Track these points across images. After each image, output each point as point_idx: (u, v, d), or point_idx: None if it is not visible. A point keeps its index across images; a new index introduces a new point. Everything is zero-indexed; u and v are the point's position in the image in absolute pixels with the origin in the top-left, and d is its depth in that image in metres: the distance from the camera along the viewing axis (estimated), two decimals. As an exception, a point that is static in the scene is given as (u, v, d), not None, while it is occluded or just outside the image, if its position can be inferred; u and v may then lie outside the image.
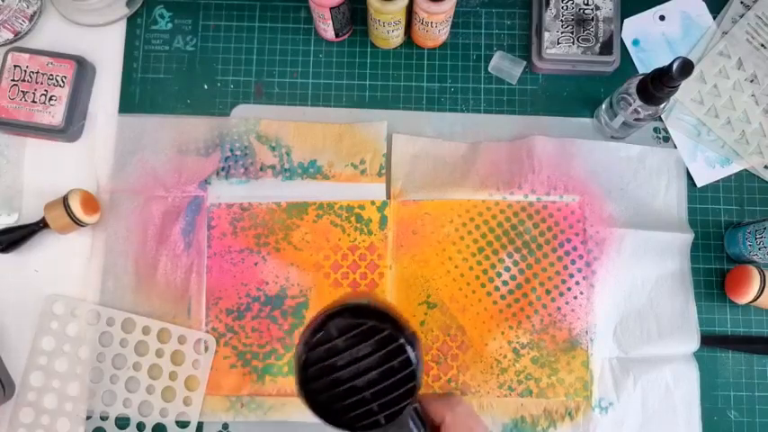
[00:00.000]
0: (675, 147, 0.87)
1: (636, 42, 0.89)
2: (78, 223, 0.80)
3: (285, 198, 0.84)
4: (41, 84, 0.84)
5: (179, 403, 0.81)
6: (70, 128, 0.84)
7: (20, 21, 0.87)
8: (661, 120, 0.87)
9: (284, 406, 0.80)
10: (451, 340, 0.80)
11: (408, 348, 0.47)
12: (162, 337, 0.82)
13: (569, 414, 0.80)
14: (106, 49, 0.89)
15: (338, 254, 0.82)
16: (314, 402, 0.47)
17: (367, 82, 0.89)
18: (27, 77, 0.83)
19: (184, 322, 0.82)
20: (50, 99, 0.83)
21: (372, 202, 0.82)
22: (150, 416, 0.81)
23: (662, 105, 0.76)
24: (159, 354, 0.81)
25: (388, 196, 0.84)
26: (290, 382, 0.80)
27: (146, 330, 0.82)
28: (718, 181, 0.87)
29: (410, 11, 0.82)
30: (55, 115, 0.83)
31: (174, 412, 0.81)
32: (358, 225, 0.82)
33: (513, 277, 0.81)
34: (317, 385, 0.47)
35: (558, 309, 0.81)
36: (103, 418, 0.81)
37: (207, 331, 0.81)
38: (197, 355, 0.81)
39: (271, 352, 0.81)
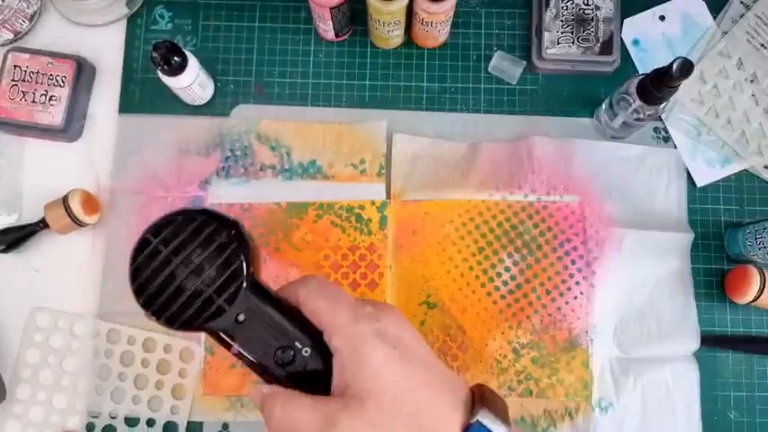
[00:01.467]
0: (675, 147, 0.87)
1: (636, 42, 0.89)
2: (78, 223, 0.80)
3: (285, 198, 0.84)
4: (41, 84, 0.84)
5: (166, 411, 0.81)
6: (70, 128, 0.84)
7: (20, 21, 0.87)
8: (661, 120, 0.87)
9: None
10: (451, 340, 0.80)
11: (223, 227, 0.47)
12: (148, 346, 0.81)
13: (569, 414, 0.80)
14: (106, 49, 0.89)
15: (338, 254, 0.82)
16: (154, 308, 0.47)
17: (367, 82, 0.89)
18: (27, 77, 0.83)
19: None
20: (50, 99, 0.83)
21: (372, 202, 0.82)
22: (137, 426, 0.81)
23: (662, 105, 0.76)
24: (145, 364, 0.81)
25: (388, 196, 0.84)
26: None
27: (131, 340, 0.81)
28: (718, 181, 0.87)
29: (410, 11, 0.82)
30: (55, 115, 0.83)
31: (161, 420, 0.80)
32: (358, 225, 0.82)
33: (513, 277, 0.81)
34: (151, 290, 0.47)
35: (558, 309, 0.81)
36: (90, 429, 0.80)
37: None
38: (183, 363, 0.81)
39: None
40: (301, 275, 0.78)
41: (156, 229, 0.47)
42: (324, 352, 0.47)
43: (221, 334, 0.47)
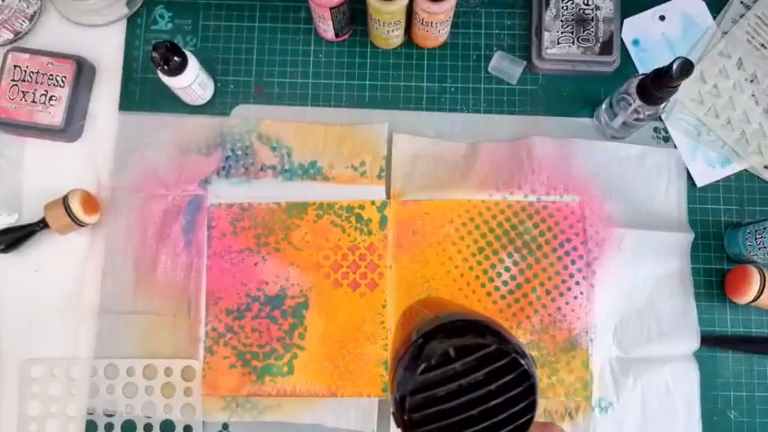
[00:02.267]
0: (675, 147, 0.87)
1: (636, 42, 0.89)
2: (78, 223, 0.80)
3: (285, 198, 0.84)
4: (41, 84, 0.84)
5: (179, 432, 0.81)
6: (70, 128, 0.84)
7: (20, 21, 0.87)
8: (661, 120, 0.87)
9: (279, 406, 0.81)
10: (452, 340, 0.80)
11: (521, 360, 0.44)
12: (148, 373, 0.81)
13: (569, 414, 0.80)
14: (106, 49, 0.89)
15: (338, 254, 0.82)
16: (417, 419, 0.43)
17: (367, 82, 0.89)
18: (27, 77, 0.84)
19: (184, 321, 0.82)
20: (50, 99, 0.83)
21: (372, 202, 0.82)
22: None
23: (662, 105, 0.76)
24: (149, 391, 0.81)
25: (388, 197, 0.84)
26: (289, 383, 0.80)
27: (130, 372, 0.81)
28: (718, 181, 0.87)
29: (410, 11, 0.82)
30: (55, 115, 0.83)
31: None
32: (358, 225, 0.82)
33: (513, 277, 0.81)
34: (428, 414, 0.43)
35: (558, 309, 0.81)
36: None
37: (207, 332, 0.81)
38: (187, 382, 0.81)
39: (271, 352, 0.81)
40: (301, 275, 0.80)
41: (462, 349, 0.44)
42: None
43: None
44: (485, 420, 0.43)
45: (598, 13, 0.87)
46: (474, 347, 0.44)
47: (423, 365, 0.44)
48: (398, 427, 0.44)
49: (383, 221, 0.82)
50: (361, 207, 0.82)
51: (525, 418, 0.44)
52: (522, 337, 0.80)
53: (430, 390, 0.43)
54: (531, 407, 0.44)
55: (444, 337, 0.44)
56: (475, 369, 0.44)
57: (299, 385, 0.80)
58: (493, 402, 0.43)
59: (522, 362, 0.44)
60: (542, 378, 0.79)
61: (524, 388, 0.43)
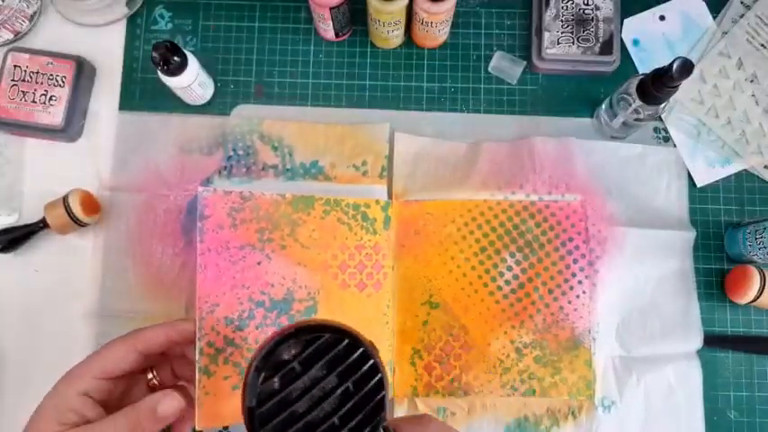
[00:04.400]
0: (675, 146, 0.87)
1: (636, 42, 0.89)
2: (78, 223, 0.79)
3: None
4: (41, 84, 0.83)
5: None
6: (70, 128, 0.84)
7: (20, 21, 0.86)
8: (661, 120, 0.87)
9: None
10: (454, 340, 0.80)
11: (372, 355, 0.45)
12: None
13: (572, 413, 0.80)
14: (106, 49, 0.89)
15: (345, 253, 0.79)
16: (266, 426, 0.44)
17: (367, 82, 0.89)
18: (27, 77, 0.83)
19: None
20: (50, 99, 0.83)
21: (377, 202, 0.81)
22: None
23: (662, 105, 0.76)
24: None
25: (390, 197, 0.84)
26: None
27: None
28: (718, 181, 0.87)
29: (410, 11, 0.82)
30: (55, 115, 0.83)
31: None
32: (364, 224, 0.80)
33: (515, 276, 0.81)
34: (272, 409, 0.44)
35: (561, 308, 0.81)
36: None
37: (201, 347, 0.69)
38: None
39: None
40: (308, 275, 0.77)
41: (303, 346, 0.45)
42: None
43: None
44: (337, 414, 0.44)
45: (598, 13, 0.87)
46: (326, 346, 0.45)
47: (263, 374, 0.44)
48: None
49: (387, 221, 0.81)
50: (367, 206, 0.81)
51: (376, 399, 0.45)
52: (524, 336, 0.80)
53: (275, 396, 0.44)
54: (381, 406, 0.45)
55: (284, 340, 0.45)
56: (315, 362, 0.45)
57: None
58: (338, 392, 0.44)
59: (362, 349, 0.45)
60: (545, 377, 0.79)
61: (373, 385, 0.45)
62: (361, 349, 0.45)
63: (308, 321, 0.46)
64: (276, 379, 0.44)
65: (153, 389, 0.68)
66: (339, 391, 0.44)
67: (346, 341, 0.45)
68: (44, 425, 0.59)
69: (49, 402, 0.60)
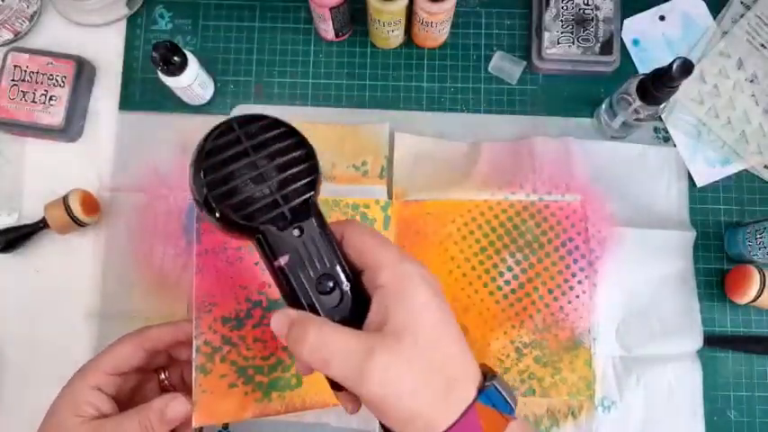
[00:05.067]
0: (675, 146, 0.87)
1: (636, 42, 0.89)
2: (78, 223, 0.79)
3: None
4: (41, 84, 0.83)
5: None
6: (70, 128, 0.84)
7: (20, 21, 0.86)
8: (661, 120, 0.87)
9: None
10: (454, 340, 0.80)
11: (306, 140, 0.49)
12: None
13: (572, 413, 0.80)
14: (106, 49, 0.89)
15: None
16: (215, 194, 0.47)
17: (367, 82, 0.89)
18: (27, 77, 0.83)
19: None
20: (50, 99, 0.83)
21: (377, 202, 0.81)
22: None
23: (662, 105, 0.76)
24: None
25: (390, 197, 0.84)
26: (298, 396, 0.73)
27: None
28: (718, 181, 0.87)
29: (410, 11, 0.82)
30: (55, 115, 0.83)
31: None
32: None
33: (515, 277, 0.81)
34: (218, 176, 0.47)
35: (561, 308, 0.81)
36: None
37: (198, 346, 0.68)
38: None
39: (277, 363, 0.73)
40: None
41: (244, 121, 0.48)
42: (358, 292, 0.49)
43: (270, 243, 0.48)
44: (270, 182, 0.48)
45: (598, 13, 0.87)
46: (254, 119, 0.49)
47: (208, 137, 0.48)
48: (201, 209, 0.48)
49: (387, 221, 0.81)
50: (366, 206, 0.80)
51: (306, 196, 0.49)
52: (524, 336, 0.80)
53: (218, 155, 0.47)
54: (313, 184, 0.49)
55: (244, 119, 0.49)
56: (266, 143, 0.49)
57: (308, 397, 0.73)
58: (278, 161, 0.48)
59: (306, 141, 0.49)
60: (545, 377, 0.79)
61: (307, 166, 0.49)
62: (295, 135, 0.49)
63: (235, 117, 0.49)
64: (222, 141, 0.48)
65: (164, 389, 0.72)
66: (276, 164, 0.48)
67: (285, 128, 0.49)
68: (62, 417, 0.61)
69: (65, 397, 0.63)
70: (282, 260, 0.48)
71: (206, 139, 0.48)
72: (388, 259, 0.48)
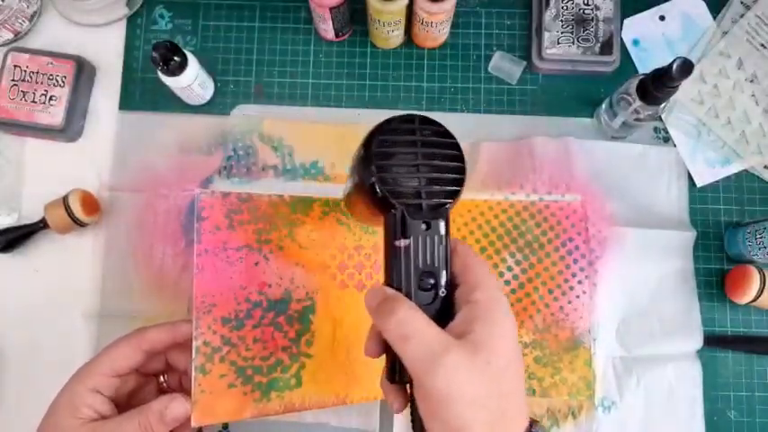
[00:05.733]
0: (675, 146, 0.87)
1: (636, 42, 0.89)
2: (78, 223, 0.79)
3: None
4: (41, 84, 0.83)
5: None
6: (70, 128, 0.84)
7: (20, 21, 0.86)
8: (661, 120, 0.87)
9: None
10: (454, 340, 0.80)
11: (464, 158, 0.54)
12: None
13: (572, 413, 0.80)
14: (106, 49, 0.89)
15: (344, 253, 0.78)
16: (380, 164, 0.52)
17: (367, 82, 0.89)
18: (27, 77, 0.83)
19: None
20: (50, 99, 0.83)
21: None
22: None
23: (662, 105, 0.76)
24: None
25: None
26: (297, 396, 0.73)
27: None
28: (718, 181, 0.87)
29: (410, 11, 0.82)
30: (55, 115, 0.83)
31: None
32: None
33: (515, 277, 0.81)
34: (379, 151, 0.52)
35: (561, 308, 0.81)
36: None
37: (197, 347, 0.68)
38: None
39: (276, 364, 0.72)
40: (307, 276, 0.76)
41: (424, 120, 0.54)
42: (447, 302, 0.52)
43: (399, 224, 0.52)
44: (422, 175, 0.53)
45: (598, 13, 0.87)
46: (432, 122, 0.55)
47: (395, 118, 0.54)
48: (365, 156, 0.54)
49: (387, 221, 0.81)
50: None
51: (445, 201, 0.53)
52: (524, 336, 0.80)
53: (394, 135, 0.53)
54: (456, 193, 0.53)
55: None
56: (430, 138, 0.54)
57: (307, 397, 0.73)
58: (435, 162, 0.53)
59: (461, 149, 0.55)
60: (545, 378, 0.79)
61: (456, 177, 0.53)
62: (458, 150, 0.54)
63: (419, 115, 0.55)
64: (391, 128, 0.54)
65: (163, 391, 0.72)
66: (434, 162, 0.53)
67: (451, 140, 0.55)
68: (61, 419, 0.62)
69: (63, 398, 0.63)
70: (403, 242, 0.52)
71: (392, 119, 0.54)
72: (487, 282, 0.51)
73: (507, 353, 0.49)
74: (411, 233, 0.52)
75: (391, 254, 0.53)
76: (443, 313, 0.51)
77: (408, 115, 0.54)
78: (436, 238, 0.52)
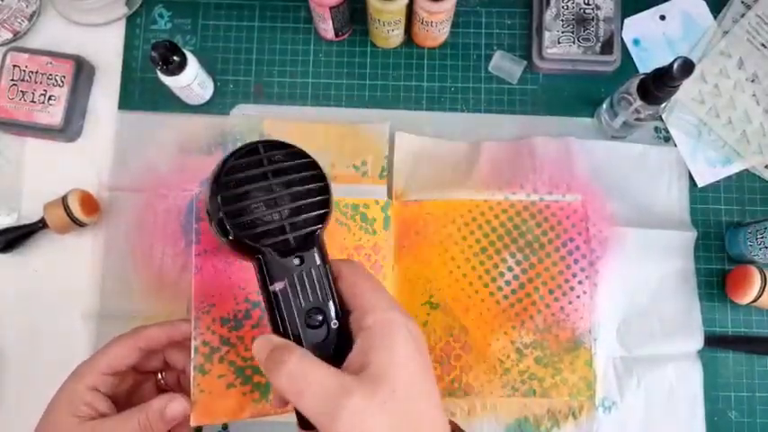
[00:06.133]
0: (676, 146, 0.87)
1: (636, 42, 0.89)
2: (78, 223, 0.79)
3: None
4: (40, 83, 0.83)
5: None
6: (69, 127, 0.84)
7: (19, 20, 0.86)
8: (662, 119, 0.87)
9: None
10: (454, 341, 0.80)
11: (325, 176, 0.51)
12: None
13: (573, 414, 0.80)
14: (105, 49, 0.89)
15: (344, 254, 0.79)
16: (228, 209, 0.48)
17: (367, 82, 0.89)
18: (26, 77, 0.83)
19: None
20: (49, 99, 0.83)
21: (376, 202, 0.81)
22: None
23: (662, 105, 0.76)
24: None
25: (390, 197, 0.84)
26: None
27: None
28: (718, 181, 0.87)
29: (410, 10, 0.82)
30: (54, 115, 0.83)
31: None
32: (363, 224, 0.80)
33: (515, 277, 0.81)
34: (227, 194, 0.48)
35: (561, 308, 0.80)
36: None
37: (196, 346, 0.68)
38: None
39: None
40: None
41: (269, 145, 0.50)
42: (343, 332, 0.49)
43: (269, 267, 0.49)
44: (281, 209, 0.50)
45: (599, 12, 0.87)
46: (280, 145, 0.51)
47: (233, 154, 0.50)
48: (212, 203, 0.49)
49: (386, 221, 0.81)
50: (366, 206, 0.80)
51: (314, 228, 0.50)
52: (525, 336, 0.80)
53: (238, 172, 0.49)
54: (323, 218, 0.51)
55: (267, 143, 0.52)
56: (284, 169, 0.51)
57: None
58: (293, 189, 0.50)
59: (324, 174, 0.51)
60: (546, 378, 0.79)
61: (319, 200, 0.51)
62: (315, 168, 0.51)
63: (262, 140, 0.51)
64: (242, 161, 0.50)
65: (161, 389, 0.72)
66: (290, 192, 0.50)
67: (308, 159, 0.51)
68: (59, 418, 0.61)
69: (61, 397, 0.63)
70: (278, 286, 0.49)
71: (231, 155, 0.49)
72: (379, 304, 0.49)
73: (411, 376, 0.46)
74: (283, 274, 0.49)
75: (269, 300, 0.50)
76: (341, 345, 0.49)
77: (251, 144, 0.50)
78: (313, 270, 0.50)
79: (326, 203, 0.51)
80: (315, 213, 0.50)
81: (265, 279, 0.49)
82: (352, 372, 0.46)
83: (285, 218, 0.49)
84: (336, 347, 0.49)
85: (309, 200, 0.50)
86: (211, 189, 0.49)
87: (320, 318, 0.49)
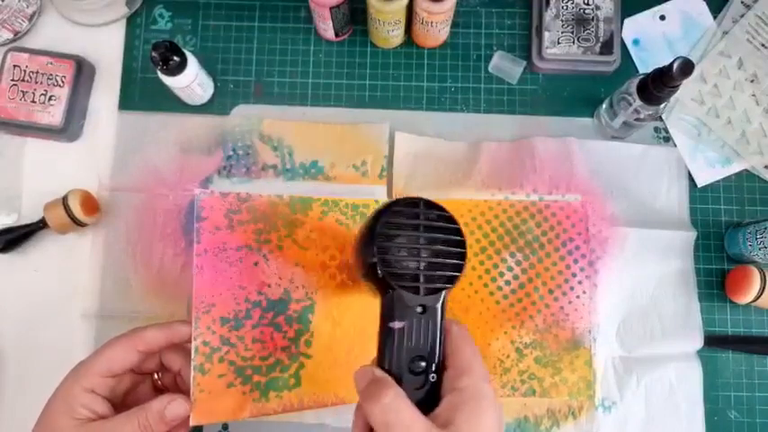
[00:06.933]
0: (676, 146, 0.87)
1: (636, 42, 0.89)
2: (78, 223, 0.79)
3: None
4: (41, 84, 0.83)
5: None
6: (70, 127, 0.84)
7: (19, 20, 0.86)
8: (661, 119, 0.87)
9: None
10: (454, 340, 0.80)
11: (466, 245, 0.56)
12: None
13: (573, 414, 0.80)
14: (106, 49, 0.89)
15: (344, 253, 0.78)
16: (380, 247, 0.53)
17: (367, 82, 0.89)
18: (26, 77, 0.83)
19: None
20: (50, 99, 0.83)
21: (376, 201, 0.81)
22: None
23: (662, 105, 0.76)
24: None
25: (390, 197, 0.84)
26: (296, 396, 0.73)
27: None
28: (718, 181, 0.87)
29: (410, 11, 0.82)
30: (54, 115, 0.83)
31: None
32: None
33: (515, 277, 0.81)
34: (384, 231, 0.54)
35: (561, 308, 0.81)
36: None
37: (196, 347, 0.68)
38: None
39: (275, 364, 0.72)
40: (306, 276, 0.76)
41: (429, 204, 0.56)
42: (435, 386, 0.53)
43: (395, 305, 0.53)
44: (421, 259, 0.54)
45: (598, 12, 0.87)
46: (437, 207, 0.56)
47: (401, 201, 0.56)
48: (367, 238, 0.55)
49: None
50: (366, 206, 0.80)
51: (443, 285, 0.54)
52: (525, 336, 0.80)
53: (398, 217, 0.55)
54: (453, 279, 0.55)
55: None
56: (433, 226, 0.56)
57: (306, 397, 0.74)
58: (436, 247, 0.55)
59: (463, 234, 0.56)
60: (546, 378, 0.79)
61: (455, 262, 0.55)
62: (460, 236, 0.56)
63: (423, 199, 0.56)
64: (397, 212, 0.55)
65: (158, 389, 0.72)
66: (433, 248, 0.55)
67: (454, 225, 0.56)
68: (57, 420, 0.61)
69: (58, 399, 0.63)
70: (398, 324, 0.53)
71: (398, 201, 0.55)
72: (476, 371, 0.51)
73: None
74: (406, 316, 0.53)
75: (385, 334, 0.54)
76: (430, 397, 0.52)
77: (413, 199, 0.55)
78: (431, 322, 0.53)
79: (460, 268, 0.55)
80: (448, 273, 0.54)
81: (389, 315, 0.53)
82: (438, 424, 0.48)
83: (422, 269, 0.54)
84: (426, 398, 0.52)
85: (447, 260, 0.54)
86: (373, 218, 0.55)
87: (423, 365, 0.52)
